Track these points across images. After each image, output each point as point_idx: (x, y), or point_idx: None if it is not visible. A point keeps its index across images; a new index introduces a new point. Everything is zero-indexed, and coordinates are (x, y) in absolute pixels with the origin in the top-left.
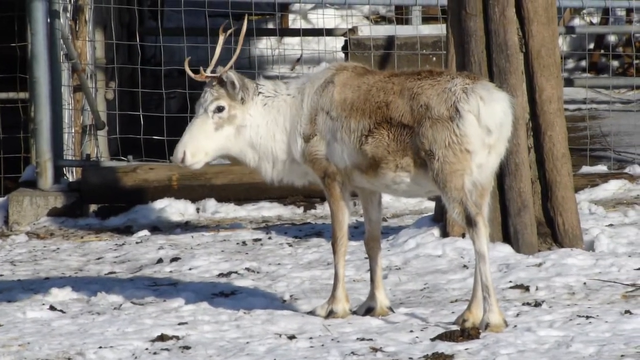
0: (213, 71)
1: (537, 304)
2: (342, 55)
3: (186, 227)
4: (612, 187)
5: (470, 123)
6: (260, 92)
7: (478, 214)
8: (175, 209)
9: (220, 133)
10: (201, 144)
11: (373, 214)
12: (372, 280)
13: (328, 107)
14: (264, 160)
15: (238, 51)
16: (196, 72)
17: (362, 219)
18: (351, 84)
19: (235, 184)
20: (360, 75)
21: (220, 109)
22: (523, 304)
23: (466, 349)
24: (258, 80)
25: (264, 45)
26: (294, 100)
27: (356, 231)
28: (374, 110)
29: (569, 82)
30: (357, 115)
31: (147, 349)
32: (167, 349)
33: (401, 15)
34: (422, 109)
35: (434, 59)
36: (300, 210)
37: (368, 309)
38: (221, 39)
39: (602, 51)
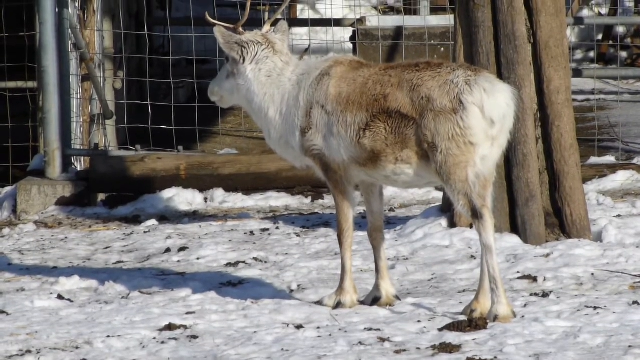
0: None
1: (545, 295)
2: (350, 45)
3: (194, 216)
4: (620, 178)
5: (474, 115)
6: (264, 64)
7: (484, 206)
8: (183, 198)
9: (228, 82)
10: (217, 84)
11: (375, 205)
12: (377, 270)
13: (323, 101)
14: (262, 130)
15: (248, 9)
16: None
17: None
18: (347, 77)
19: (242, 174)
20: (355, 69)
21: (227, 59)
22: (531, 295)
23: (474, 339)
24: (273, 48)
25: None
26: (293, 89)
27: (364, 221)
28: (371, 103)
29: (577, 73)
30: (353, 109)
31: (154, 338)
32: (174, 339)
33: (409, 6)
34: (424, 101)
35: (442, 49)
36: (308, 200)
37: (374, 299)
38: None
39: (611, 42)
